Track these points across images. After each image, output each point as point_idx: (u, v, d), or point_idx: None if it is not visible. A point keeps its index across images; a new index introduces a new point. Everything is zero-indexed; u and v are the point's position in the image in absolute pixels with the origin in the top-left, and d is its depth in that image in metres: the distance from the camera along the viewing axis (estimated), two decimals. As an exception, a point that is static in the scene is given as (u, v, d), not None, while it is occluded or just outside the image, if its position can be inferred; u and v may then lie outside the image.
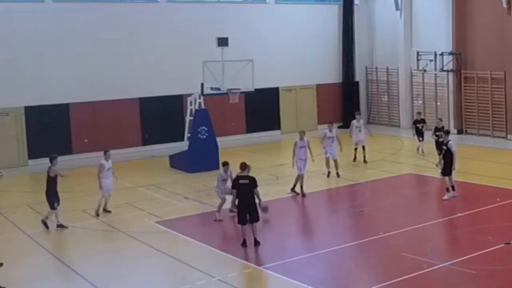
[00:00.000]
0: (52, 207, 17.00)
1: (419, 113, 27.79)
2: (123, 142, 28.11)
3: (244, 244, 14.65)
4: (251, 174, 15.13)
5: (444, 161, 18.38)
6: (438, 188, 20.01)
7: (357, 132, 24.21)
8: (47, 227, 17.03)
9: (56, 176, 17.03)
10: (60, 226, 16.99)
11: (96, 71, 27.36)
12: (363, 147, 24.21)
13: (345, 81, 34.45)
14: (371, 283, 12.53)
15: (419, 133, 25.80)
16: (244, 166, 15.05)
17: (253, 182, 14.66)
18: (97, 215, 18.01)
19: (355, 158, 24.22)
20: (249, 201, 14.57)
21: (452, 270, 12.90)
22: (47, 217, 17.11)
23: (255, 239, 14.66)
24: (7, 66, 25.73)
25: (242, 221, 14.66)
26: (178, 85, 28.40)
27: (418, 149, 25.77)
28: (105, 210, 18.35)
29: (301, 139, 19.78)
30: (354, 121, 24.49)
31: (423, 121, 26.33)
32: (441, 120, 24.92)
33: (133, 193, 20.50)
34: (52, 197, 16.99)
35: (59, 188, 17.05)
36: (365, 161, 24.04)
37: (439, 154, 20.11)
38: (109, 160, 18.24)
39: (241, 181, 14.71)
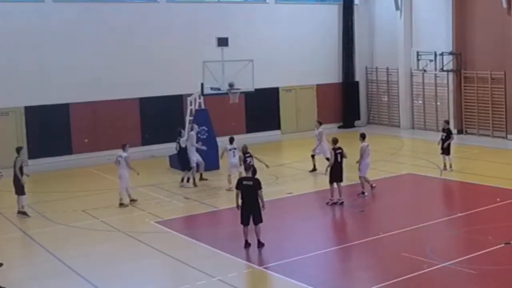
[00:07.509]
0: (23, 192, 17.78)
1: (446, 122, 23.45)
2: (123, 142, 28.00)
3: (246, 245, 14.64)
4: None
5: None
6: (438, 188, 20.01)
7: (231, 155, 20.62)
8: (27, 215, 17.77)
9: (21, 166, 17.93)
10: (23, 213, 17.85)
11: (96, 71, 27.33)
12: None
13: (345, 81, 34.42)
14: (371, 283, 12.53)
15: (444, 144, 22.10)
16: (248, 168, 15.06)
17: (257, 184, 14.60)
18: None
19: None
20: (252, 202, 14.51)
21: (452, 270, 12.89)
22: (22, 206, 17.84)
23: (258, 240, 14.62)
24: (7, 66, 25.71)
25: (244, 222, 14.65)
26: (178, 85, 28.38)
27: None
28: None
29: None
30: (228, 145, 20.90)
31: (449, 131, 22.40)
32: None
33: (133, 193, 20.46)
34: (21, 184, 17.81)
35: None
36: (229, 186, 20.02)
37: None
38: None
39: (244, 182, 14.66)
